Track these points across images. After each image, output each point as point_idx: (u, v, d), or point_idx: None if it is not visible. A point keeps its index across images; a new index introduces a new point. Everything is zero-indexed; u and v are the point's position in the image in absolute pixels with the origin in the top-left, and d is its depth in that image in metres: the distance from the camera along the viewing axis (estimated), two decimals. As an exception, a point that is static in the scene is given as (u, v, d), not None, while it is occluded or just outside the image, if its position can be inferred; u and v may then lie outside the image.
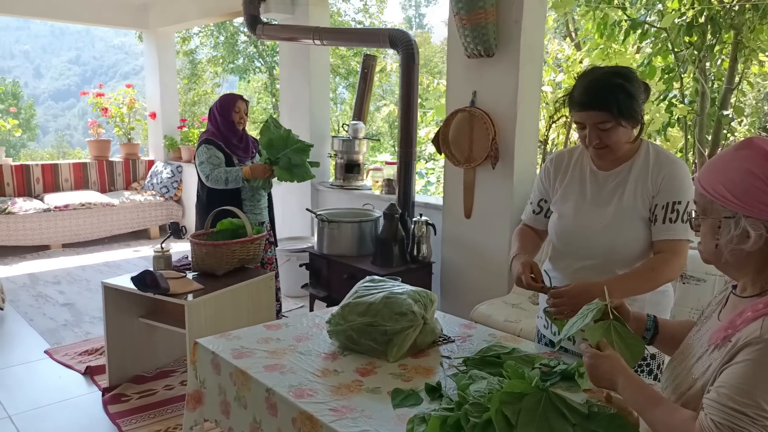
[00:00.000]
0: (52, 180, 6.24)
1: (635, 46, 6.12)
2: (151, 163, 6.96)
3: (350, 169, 4.59)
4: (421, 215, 3.47)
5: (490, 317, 2.83)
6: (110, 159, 6.71)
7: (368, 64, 4.64)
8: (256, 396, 1.47)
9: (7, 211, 5.44)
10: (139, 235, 6.46)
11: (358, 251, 3.59)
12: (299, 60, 4.74)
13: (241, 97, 3.43)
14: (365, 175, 4.54)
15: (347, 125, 4.54)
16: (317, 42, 4.26)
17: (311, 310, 3.81)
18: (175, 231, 3.03)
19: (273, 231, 3.63)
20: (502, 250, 3.29)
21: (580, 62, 6.27)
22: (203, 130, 6.45)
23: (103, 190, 6.57)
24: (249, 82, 18.43)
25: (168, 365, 3.22)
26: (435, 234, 3.48)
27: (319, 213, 3.66)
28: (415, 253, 3.47)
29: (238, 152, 3.39)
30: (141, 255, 5.73)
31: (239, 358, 1.60)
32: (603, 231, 1.61)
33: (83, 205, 5.87)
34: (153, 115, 6.77)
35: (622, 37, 5.14)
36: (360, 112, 4.68)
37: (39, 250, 5.72)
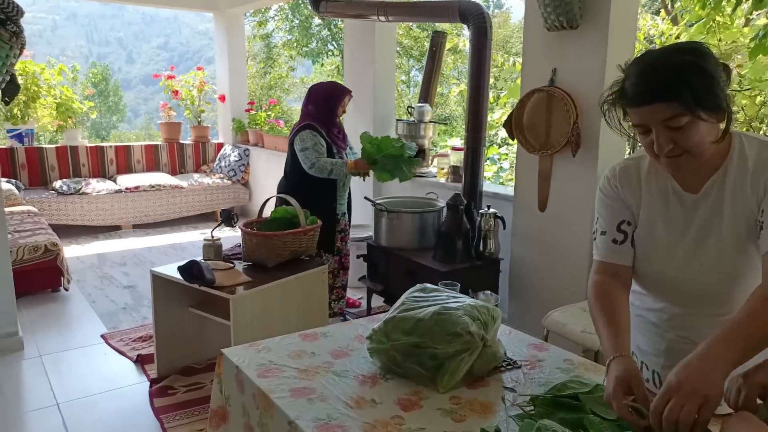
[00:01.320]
0: (125, 161, 6.37)
1: (744, 18, 5.41)
2: (220, 146, 6.98)
3: (415, 154, 4.30)
4: (489, 207, 3.15)
5: (565, 326, 2.49)
6: (181, 141, 6.77)
7: (437, 41, 4.32)
8: (278, 426, 1.25)
9: (81, 191, 5.58)
10: (208, 218, 6.49)
11: (419, 244, 3.32)
12: (364, 39, 4.48)
13: (350, 93, 3.32)
14: (431, 162, 4.24)
15: (413, 108, 4.25)
16: (382, 18, 3.98)
17: (368, 304, 3.59)
18: (227, 219, 2.89)
19: (349, 222, 3.49)
20: (581, 249, 2.92)
21: (677, 38, 5.64)
22: (270, 114, 6.46)
23: (173, 172, 6.64)
24: (323, 65, 18.43)
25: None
26: (504, 228, 3.15)
27: (378, 202, 3.41)
28: (481, 248, 3.15)
29: (338, 142, 3.27)
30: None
31: (264, 376, 1.38)
32: (708, 275, 1.22)
33: (153, 186, 5.94)
34: (222, 98, 6.75)
35: (729, 8, 4.51)
36: (427, 93, 4.37)
37: (110, 230, 5.85)
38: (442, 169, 3.99)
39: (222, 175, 6.54)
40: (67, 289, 4.01)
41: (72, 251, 5.11)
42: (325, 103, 3.22)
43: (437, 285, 1.72)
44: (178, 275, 2.63)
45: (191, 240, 5.64)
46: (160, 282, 2.79)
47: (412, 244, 3.32)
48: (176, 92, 6.53)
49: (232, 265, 2.67)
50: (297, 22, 17.21)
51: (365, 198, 3.46)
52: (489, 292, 2.95)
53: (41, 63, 6.07)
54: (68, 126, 6.09)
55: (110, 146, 6.33)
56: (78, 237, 5.62)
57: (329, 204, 3.28)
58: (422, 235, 3.33)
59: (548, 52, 2.99)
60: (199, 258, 2.77)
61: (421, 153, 4.29)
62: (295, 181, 3.27)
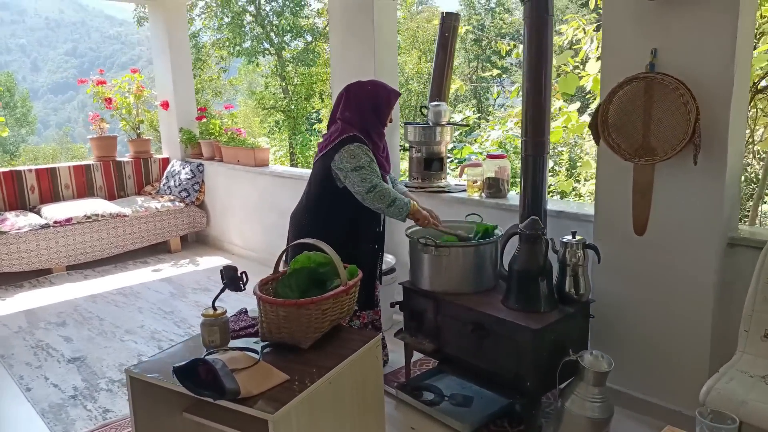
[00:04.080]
0: (49, 188, 5.20)
1: None
2: (165, 161, 5.91)
3: (429, 164, 3.53)
4: (574, 234, 2.41)
5: (747, 405, 1.78)
6: (117, 159, 5.66)
7: (448, 25, 3.55)
8: None
9: (-4, 230, 4.42)
10: (158, 249, 5.44)
11: (476, 285, 2.55)
12: (360, 22, 3.64)
13: (399, 94, 2.69)
14: (458, 174, 3.48)
15: (426, 107, 3.47)
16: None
17: (407, 365, 2.78)
18: (232, 281, 2.00)
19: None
20: (701, 286, 2.25)
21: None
22: (226, 121, 5.46)
23: (111, 197, 5.53)
24: (257, 65, 17.28)
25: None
26: (599, 261, 2.42)
27: (411, 233, 2.60)
28: (567, 288, 2.41)
29: (385, 164, 2.60)
30: (163, 276, 4.72)
31: None
32: None
33: (89, 217, 4.84)
34: (165, 105, 5.70)
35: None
36: (440, 89, 3.59)
37: (38, 275, 4.71)
38: (475, 182, 3.23)
39: (172, 197, 5.50)
40: (-13, 375, 2.95)
41: (-11, 310, 3.99)
42: (371, 109, 2.51)
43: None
44: (169, 379, 1.72)
45: (143, 280, 4.61)
46: (140, 384, 1.87)
47: (466, 287, 2.54)
48: (109, 100, 5.42)
49: (256, 356, 1.79)
50: (227, 19, 15.98)
51: (407, 235, 2.64)
52: (598, 353, 2.24)
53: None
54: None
55: (29, 170, 5.14)
56: (-4, 289, 4.46)
57: (371, 244, 2.54)
58: (479, 273, 2.56)
59: (644, 27, 2.29)
60: (186, 338, 1.87)
61: (438, 162, 3.52)
62: (325, 206, 2.55)
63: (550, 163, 8.52)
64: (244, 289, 2.02)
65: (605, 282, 2.56)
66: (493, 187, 3.17)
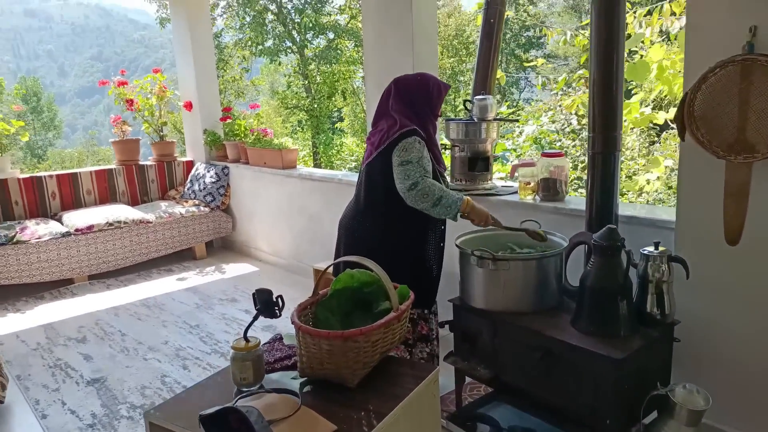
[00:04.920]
0: (71, 193, 5.02)
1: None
2: (190, 164, 5.70)
3: (474, 164, 3.21)
4: (657, 245, 2.07)
5: None
6: (140, 162, 5.46)
7: (494, 10, 3.22)
8: None
9: (15, 239, 4.23)
10: (183, 256, 5.22)
11: (539, 304, 2.23)
12: (396, 12, 3.34)
13: (449, 86, 2.45)
14: (510, 173, 3.16)
15: (471, 102, 3.16)
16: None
17: (458, 392, 2.48)
18: (267, 306, 1.72)
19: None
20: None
21: None
22: (252, 122, 5.20)
23: (134, 203, 5.33)
24: (279, 64, 17.11)
25: None
26: (688, 277, 2.08)
27: (476, 251, 2.28)
28: (650, 308, 2.08)
29: (440, 157, 2.41)
30: (187, 285, 4.49)
31: None
32: None
33: (111, 224, 4.63)
34: (188, 105, 5.47)
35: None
36: (485, 81, 3.28)
37: (60, 285, 4.52)
38: (528, 183, 2.91)
39: (197, 201, 5.27)
40: (1, 401, 2.72)
41: (7, 325, 3.79)
42: (423, 101, 2.30)
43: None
44: (195, 428, 1.45)
45: (167, 290, 4.38)
46: None
47: (528, 305, 2.23)
48: (131, 102, 5.21)
49: (297, 400, 1.51)
50: (249, 18, 15.83)
51: (456, 245, 2.33)
52: (692, 386, 1.91)
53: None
54: (-9, 154, 4.72)
55: (50, 175, 4.96)
56: (16, 301, 4.27)
57: (438, 243, 2.41)
58: (543, 289, 2.24)
59: (739, 3, 1.95)
60: (211, 371, 1.60)
61: (484, 162, 3.21)
62: (384, 215, 2.33)
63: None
64: (280, 315, 1.74)
65: (690, 299, 2.22)
66: (550, 189, 2.85)
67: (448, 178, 2.77)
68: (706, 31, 2.05)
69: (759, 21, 1.91)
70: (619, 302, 2.01)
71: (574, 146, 8.12)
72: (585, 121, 8.02)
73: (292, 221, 4.74)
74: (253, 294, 1.72)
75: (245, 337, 1.64)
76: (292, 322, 1.64)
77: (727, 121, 1.99)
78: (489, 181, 3.24)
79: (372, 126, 2.44)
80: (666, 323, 2.07)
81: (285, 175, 4.72)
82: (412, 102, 2.32)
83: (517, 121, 6.56)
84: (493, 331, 2.26)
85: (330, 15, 16.28)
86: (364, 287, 1.89)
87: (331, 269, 1.92)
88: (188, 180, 5.49)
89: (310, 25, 15.38)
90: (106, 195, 5.20)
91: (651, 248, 2.07)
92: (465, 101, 3.16)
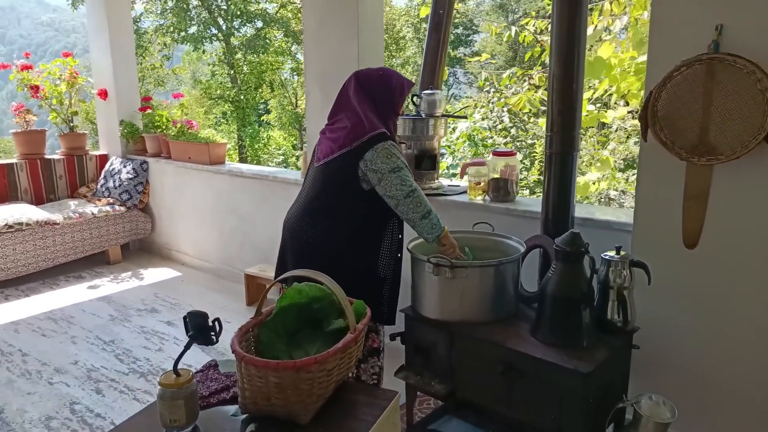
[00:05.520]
0: (-38, 191, 4.43)
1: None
2: (103, 159, 5.20)
3: (420, 162, 3.06)
4: (619, 249, 1.98)
5: None
6: (46, 156, 4.91)
7: (443, 1, 3.06)
8: None
9: None
10: (95, 261, 4.75)
11: (497, 313, 2.10)
12: (336, 0, 3.11)
13: (412, 83, 2.25)
14: (460, 173, 3.02)
15: (418, 96, 2.99)
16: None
17: (409, 409, 2.30)
18: (201, 332, 1.45)
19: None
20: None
21: None
22: (175, 113, 4.78)
23: (38, 201, 4.79)
24: (203, 52, 16.33)
25: None
26: (650, 283, 1.99)
27: (432, 258, 2.10)
28: (609, 315, 1.99)
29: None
30: (101, 294, 4.06)
31: None
32: None
33: (11, 227, 4.10)
34: (103, 94, 4.98)
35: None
36: (433, 75, 3.12)
37: (-51, 296, 3.96)
38: (478, 183, 2.77)
39: (111, 200, 4.81)
40: None
41: None
42: (385, 98, 2.13)
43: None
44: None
45: (76, 301, 3.94)
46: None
47: (485, 314, 2.09)
48: (36, 88, 4.66)
49: (239, 447, 1.27)
50: (171, 3, 14.97)
51: (408, 250, 2.15)
52: (658, 398, 1.83)
53: None
54: None
55: (-64, 171, 4.35)
56: None
57: (394, 252, 2.24)
58: (500, 297, 2.11)
59: (705, 1, 1.88)
60: (140, 407, 1.34)
61: (431, 160, 3.06)
62: (344, 218, 2.15)
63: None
64: (217, 341, 1.49)
65: (645, 304, 2.15)
66: (500, 189, 2.73)
67: None
68: (670, 27, 1.97)
69: (725, 19, 1.85)
70: (582, 311, 1.90)
71: (505, 143, 8.20)
72: (517, 119, 8.10)
73: (221, 222, 4.40)
74: (185, 318, 1.46)
75: (175, 371, 1.38)
76: (233, 351, 1.40)
77: (691, 121, 1.92)
78: (436, 180, 3.09)
79: (329, 119, 2.22)
80: (626, 330, 1.99)
81: (212, 172, 4.37)
82: (373, 98, 2.14)
83: (466, 117, 6.47)
84: (449, 344, 2.10)
85: (258, 3, 15.70)
86: (313, 303, 1.68)
87: (279, 281, 1.68)
88: (102, 176, 5.01)
89: (238, 12, 14.75)
90: (6, 193, 4.63)
91: (612, 253, 1.97)
92: (413, 96, 2.99)
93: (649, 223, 2.13)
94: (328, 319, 1.66)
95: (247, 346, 1.53)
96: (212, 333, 1.47)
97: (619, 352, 1.95)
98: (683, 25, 1.94)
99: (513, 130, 8.16)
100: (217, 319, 1.48)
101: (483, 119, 8.41)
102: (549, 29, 4.72)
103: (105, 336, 3.37)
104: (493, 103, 7.95)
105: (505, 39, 4.33)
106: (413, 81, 2.29)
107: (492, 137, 8.18)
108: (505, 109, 7.93)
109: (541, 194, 2.35)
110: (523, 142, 7.99)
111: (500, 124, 7.96)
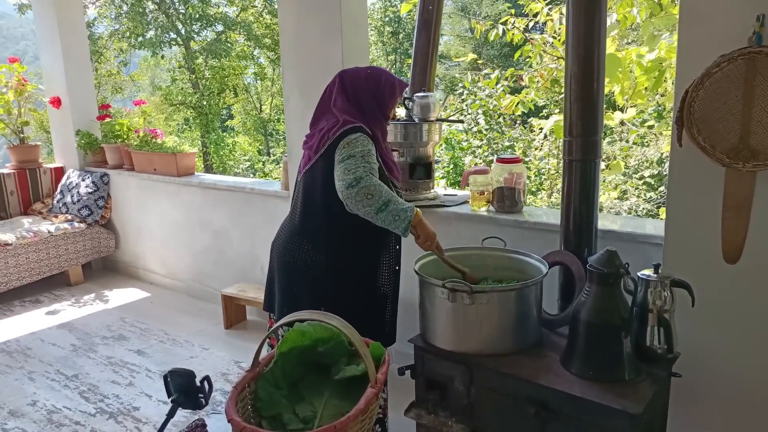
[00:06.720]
0: None
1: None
2: (59, 172, 4.79)
3: (413, 170, 2.81)
4: (657, 267, 1.77)
5: None
6: (-6, 171, 4.48)
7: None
8: None
9: None
10: (54, 283, 4.35)
11: (521, 341, 1.87)
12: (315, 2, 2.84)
13: (406, 85, 2.03)
14: (462, 182, 2.78)
15: (410, 100, 2.74)
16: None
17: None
18: (187, 394, 1.18)
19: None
20: None
21: None
22: (139, 120, 4.40)
23: (-13, 220, 4.36)
24: (162, 57, 15.76)
25: None
26: (693, 305, 1.79)
27: (448, 283, 1.85)
28: (648, 342, 1.77)
29: (393, 168, 1.98)
30: (61, 321, 3.68)
31: None
32: None
33: (-45, 250, 3.69)
34: (56, 102, 4.57)
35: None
36: (424, 76, 2.88)
37: None
38: (481, 193, 2.54)
39: (69, 216, 4.41)
40: None
41: None
42: (372, 100, 1.89)
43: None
44: None
45: (33, 329, 3.56)
46: None
47: (508, 344, 1.85)
48: (-21, 97, 4.24)
49: None
50: (126, 7, 14.37)
51: (416, 271, 1.90)
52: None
53: None
54: None
55: None
56: None
57: (392, 266, 2.03)
58: (524, 325, 1.88)
59: (745, -12, 1.69)
60: None
61: (426, 168, 2.82)
62: (328, 233, 1.90)
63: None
64: (207, 403, 1.21)
65: (684, 327, 1.95)
66: (506, 199, 2.50)
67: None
68: (704, 18, 1.78)
69: (767, 8, 1.66)
70: (623, 340, 1.68)
71: (480, 146, 8.04)
72: (492, 121, 7.95)
73: (192, 238, 4.07)
74: (165, 377, 1.18)
75: (159, 449, 1.09)
76: (230, 421, 1.12)
77: (733, 123, 1.73)
78: (431, 190, 2.85)
79: (311, 127, 1.97)
80: (669, 358, 1.78)
81: (181, 184, 4.04)
82: (358, 99, 1.91)
83: (462, 121, 6.25)
84: (468, 378, 1.85)
85: (218, 6, 15.23)
86: (319, 345, 1.42)
87: (280, 328, 1.40)
88: (58, 191, 4.60)
89: (197, 16, 14.25)
90: (-51, 212, 4.19)
91: (649, 271, 1.76)
92: (405, 99, 2.74)
93: (683, 235, 1.93)
94: (338, 365, 1.41)
95: (243, 407, 1.26)
96: (200, 395, 1.19)
97: (663, 384, 1.74)
98: (719, 16, 1.75)
99: (489, 133, 8.01)
100: (207, 378, 1.20)
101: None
102: (535, 27, 4.55)
103: (67, 370, 3.01)
104: (468, 105, 7.79)
105: (492, 37, 4.13)
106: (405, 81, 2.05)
107: (467, 140, 8.01)
108: (480, 111, 7.78)
109: (560, 205, 2.13)
110: (500, 144, 7.84)
111: (476, 126, 7.80)
